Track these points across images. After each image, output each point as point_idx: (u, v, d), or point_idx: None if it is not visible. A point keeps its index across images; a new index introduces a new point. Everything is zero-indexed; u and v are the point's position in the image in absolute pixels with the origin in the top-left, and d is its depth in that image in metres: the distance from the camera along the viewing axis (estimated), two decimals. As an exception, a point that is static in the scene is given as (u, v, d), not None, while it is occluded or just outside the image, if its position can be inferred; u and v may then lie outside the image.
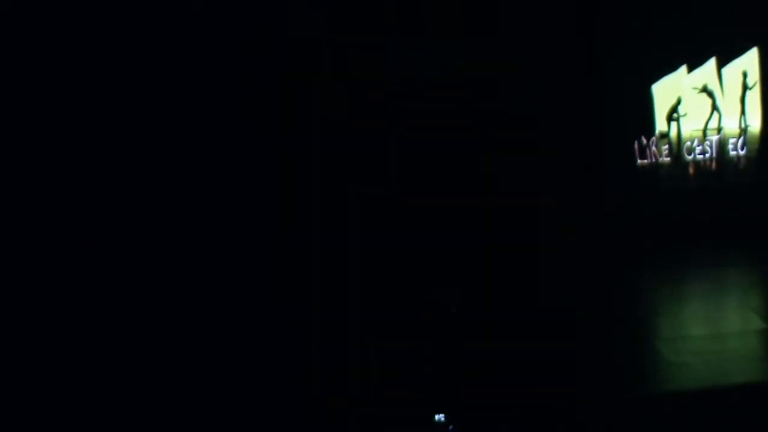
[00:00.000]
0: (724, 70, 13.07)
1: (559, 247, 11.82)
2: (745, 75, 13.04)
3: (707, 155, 13.31)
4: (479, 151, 12.18)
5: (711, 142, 13.28)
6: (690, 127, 13.24)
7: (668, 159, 13.27)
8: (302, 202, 11.76)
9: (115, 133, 11.24)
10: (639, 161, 13.20)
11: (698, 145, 13.29)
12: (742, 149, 13.26)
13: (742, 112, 13.16)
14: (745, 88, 13.08)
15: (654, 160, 13.23)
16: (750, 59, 13.01)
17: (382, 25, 12.03)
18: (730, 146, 13.26)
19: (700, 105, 13.18)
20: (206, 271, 10.96)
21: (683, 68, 13.04)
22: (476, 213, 11.92)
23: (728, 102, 13.15)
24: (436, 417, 8.92)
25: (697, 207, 13.05)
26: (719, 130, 13.24)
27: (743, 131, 13.20)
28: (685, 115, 13.17)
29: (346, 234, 11.58)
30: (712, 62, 13.05)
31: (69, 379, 9.69)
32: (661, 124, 13.19)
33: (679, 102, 13.12)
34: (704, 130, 13.25)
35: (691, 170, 13.35)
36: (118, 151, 11.24)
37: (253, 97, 11.78)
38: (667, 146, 13.25)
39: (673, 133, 13.23)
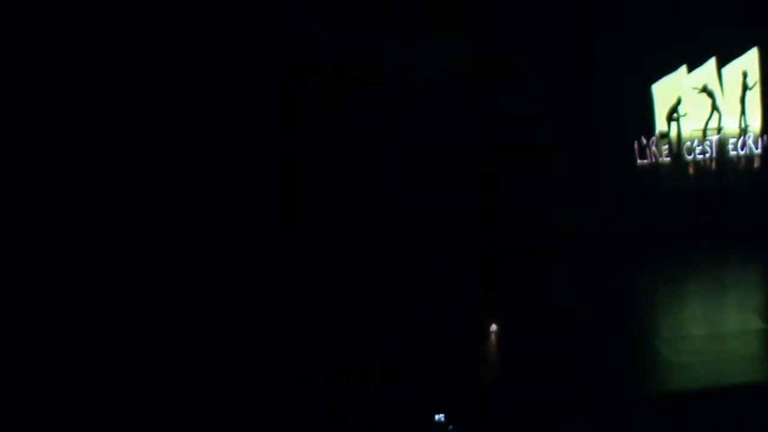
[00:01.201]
0: (724, 70, 13.08)
1: (559, 247, 11.82)
2: (745, 75, 13.04)
3: (707, 155, 13.32)
4: (479, 151, 12.19)
5: (711, 142, 13.28)
6: (690, 127, 13.24)
7: (668, 159, 13.28)
8: (302, 202, 11.76)
9: (116, 133, 11.24)
10: (639, 161, 13.20)
11: (698, 145, 13.29)
12: (742, 149, 13.26)
13: (742, 112, 13.16)
14: (745, 88, 13.08)
15: (654, 160, 13.23)
16: (750, 59, 13.02)
17: (382, 25, 12.03)
18: (730, 146, 13.26)
19: (700, 105, 13.18)
20: (206, 271, 10.96)
21: (683, 68, 13.04)
22: (476, 213, 11.92)
23: (728, 102, 13.16)
24: (436, 417, 8.92)
25: (697, 207, 13.05)
26: (719, 130, 13.24)
27: (743, 131, 13.20)
28: (685, 115, 13.17)
29: (346, 234, 11.58)
30: (712, 62, 13.05)
31: (69, 378, 9.69)
32: (661, 124, 13.19)
33: (679, 102, 13.12)
34: (704, 130, 13.25)
35: (691, 170, 13.35)
36: (119, 151, 11.24)
37: (253, 97, 11.79)
38: (667, 146, 13.25)
39: (673, 133, 13.23)
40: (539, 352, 9.72)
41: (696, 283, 12.12)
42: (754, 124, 13.19)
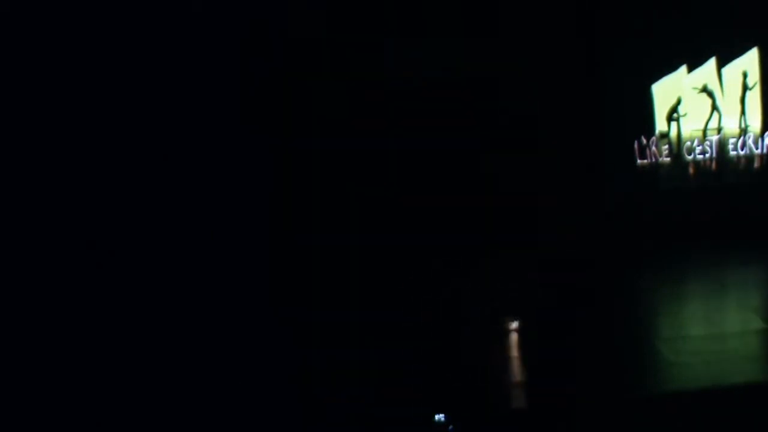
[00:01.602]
0: (724, 70, 13.07)
1: (559, 247, 11.82)
2: (745, 75, 13.04)
3: (707, 155, 13.32)
4: (479, 151, 12.19)
5: (711, 142, 13.28)
6: (690, 127, 13.24)
7: (668, 159, 13.28)
8: (302, 202, 11.76)
9: (116, 133, 11.24)
10: (639, 161, 13.20)
11: (698, 145, 13.29)
12: (742, 149, 13.26)
13: (742, 112, 13.16)
14: (745, 88, 13.08)
15: (654, 160, 13.24)
16: (750, 59, 13.01)
17: (382, 25, 12.03)
18: (730, 146, 13.26)
19: (700, 105, 13.18)
20: (206, 271, 10.96)
21: (683, 68, 13.04)
22: (476, 213, 11.92)
23: (728, 102, 13.15)
24: (436, 417, 8.91)
25: (697, 207, 13.05)
26: (719, 130, 13.24)
27: (743, 131, 13.20)
28: (685, 115, 13.17)
29: (346, 234, 11.58)
30: (712, 62, 13.05)
31: (69, 378, 9.69)
32: (661, 124, 13.19)
33: (679, 102, 13.12)
34: (704, 130, 13.25)
35: (691, 170, 13.35)
36: (119, 151, 11.24)
37: (253, 97, 11.79)
38: (667, 146, 13.25)
39: (673, 133, 13.23)
40: (539, 352, 9.72)
41: (696, 283, 12.11)
42: (754, 124, 13.19)
